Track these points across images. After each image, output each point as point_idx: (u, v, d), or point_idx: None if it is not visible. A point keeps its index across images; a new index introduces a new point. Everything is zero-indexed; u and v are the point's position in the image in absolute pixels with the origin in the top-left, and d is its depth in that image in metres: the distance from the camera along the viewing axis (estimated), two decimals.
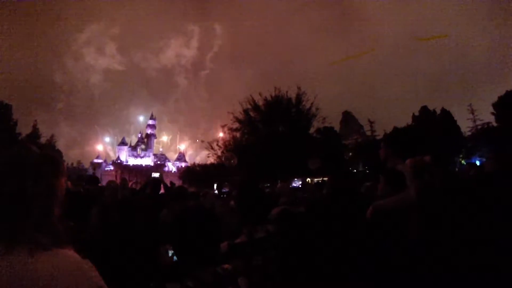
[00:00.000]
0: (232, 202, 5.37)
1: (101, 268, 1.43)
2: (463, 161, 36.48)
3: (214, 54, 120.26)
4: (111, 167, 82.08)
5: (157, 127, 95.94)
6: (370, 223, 2.88)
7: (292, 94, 27.68)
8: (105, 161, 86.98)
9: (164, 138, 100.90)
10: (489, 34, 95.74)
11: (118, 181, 9.57)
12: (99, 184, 7.36)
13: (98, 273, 1.34)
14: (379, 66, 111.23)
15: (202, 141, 34.45)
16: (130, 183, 11.55)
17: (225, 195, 9.72)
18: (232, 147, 28.07)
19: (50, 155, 1.19)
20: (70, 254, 1.07)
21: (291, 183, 21.28)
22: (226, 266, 1.70)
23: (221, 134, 30.39)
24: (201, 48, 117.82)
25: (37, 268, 0.97)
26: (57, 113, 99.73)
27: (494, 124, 40.67)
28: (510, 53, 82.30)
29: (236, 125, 28.32)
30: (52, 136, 59.57)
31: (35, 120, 54.81)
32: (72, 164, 77.71)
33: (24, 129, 48.59)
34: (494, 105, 40.16)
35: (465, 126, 46.01)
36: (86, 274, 1.06)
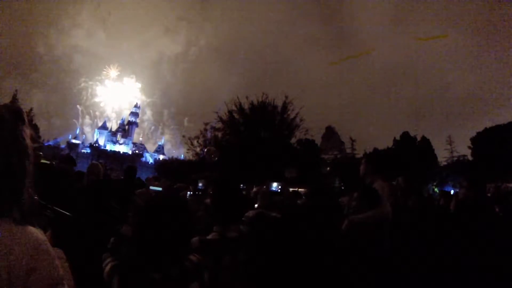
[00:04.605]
0: (207, 200, 5.30)
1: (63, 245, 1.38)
2: (436, 189, 37.37)
3: (204, 51, 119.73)
4: (88, 150, 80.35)
5: (140, 116, 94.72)
6: (346, 234, 2.93)
7: (279, 102, 27.87)
8: (82, 142, 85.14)
9: (146, 128, 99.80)
10: (473, 73, 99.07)
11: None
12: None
13: (68, 263, 1.27)
14: (369, 88, 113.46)
15: (183, 136, 34.17)
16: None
17: (200, 192, 9.63)
18: (212, 146, 27.96)
19: (7, 105, 1.10)
20: (38, 235, 0.99)
21: (269, 187, 21.32)
22: (192, 257, 1.64)
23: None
24: (191, 44, 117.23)
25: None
26: (36, 87, 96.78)
27: (470, 158, 41.94)
28: (492, 92, 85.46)
29: (219, 124, 28.36)
30: (31, 109, 57.68)
31: (16, 90, 53.25)
32: (48, 140, 75.60)
33: (4, 99, 47.09)
34: (472, 140, 41.44)
35: (442, 156, 47.52)
36: (45, 259, 0.96)
